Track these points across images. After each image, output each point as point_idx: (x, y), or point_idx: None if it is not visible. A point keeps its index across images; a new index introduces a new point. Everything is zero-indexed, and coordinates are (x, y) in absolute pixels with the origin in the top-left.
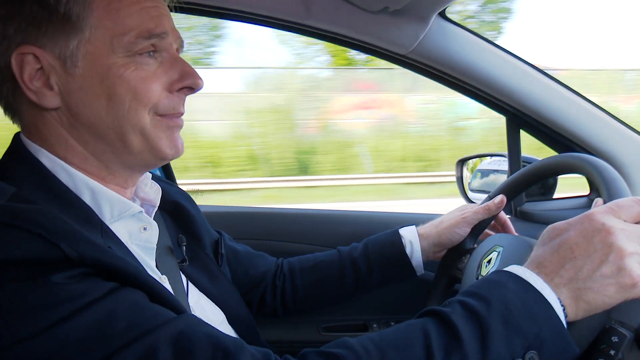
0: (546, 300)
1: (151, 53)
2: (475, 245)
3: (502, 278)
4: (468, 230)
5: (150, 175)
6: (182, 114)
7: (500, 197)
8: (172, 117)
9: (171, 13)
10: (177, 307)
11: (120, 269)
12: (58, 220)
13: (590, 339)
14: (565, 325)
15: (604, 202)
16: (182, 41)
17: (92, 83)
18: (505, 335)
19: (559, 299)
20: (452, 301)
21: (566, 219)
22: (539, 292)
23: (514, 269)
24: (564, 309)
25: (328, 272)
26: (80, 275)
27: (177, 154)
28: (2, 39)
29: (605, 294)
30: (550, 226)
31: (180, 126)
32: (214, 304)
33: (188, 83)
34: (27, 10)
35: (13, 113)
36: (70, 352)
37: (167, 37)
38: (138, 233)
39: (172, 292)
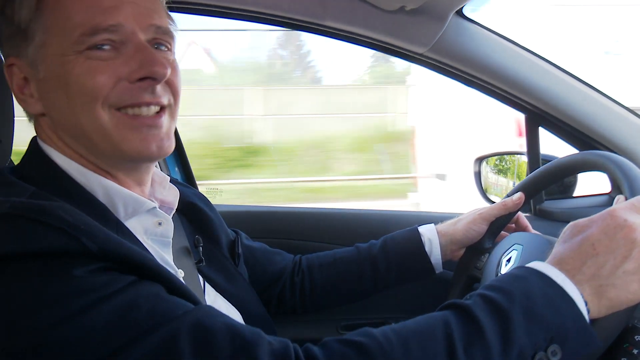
0: (569, 295)
1: (105, 46)
2: (493, 245)
3: (524, 273)
4: (485, 227)
5: (168, 178)
6: (147, 103)
7: (519, 195)
8: (137, 116)
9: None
10: (194, 299)
11: (139, 262)
12: (78, 215)
13: (613, 337)
14: (588, 321)
15: (626, 199)
16: (156, 28)
17: (54, 85)
18: (527, 327)
19: (581, 295)
20: (473, 294)
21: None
22: (561, 287)
23: (535, 264)
24: (586, 305)
25: (347, 269)
26: (101, 268)
27: (150, 155)
28: None
29: (628, 291)
30: (571, 223)
31: (149, 125)
32: (230, 304)
33: (144, 72)
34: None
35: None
36: (92, 339)
37: (121, 28)
38: (153, 228)
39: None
